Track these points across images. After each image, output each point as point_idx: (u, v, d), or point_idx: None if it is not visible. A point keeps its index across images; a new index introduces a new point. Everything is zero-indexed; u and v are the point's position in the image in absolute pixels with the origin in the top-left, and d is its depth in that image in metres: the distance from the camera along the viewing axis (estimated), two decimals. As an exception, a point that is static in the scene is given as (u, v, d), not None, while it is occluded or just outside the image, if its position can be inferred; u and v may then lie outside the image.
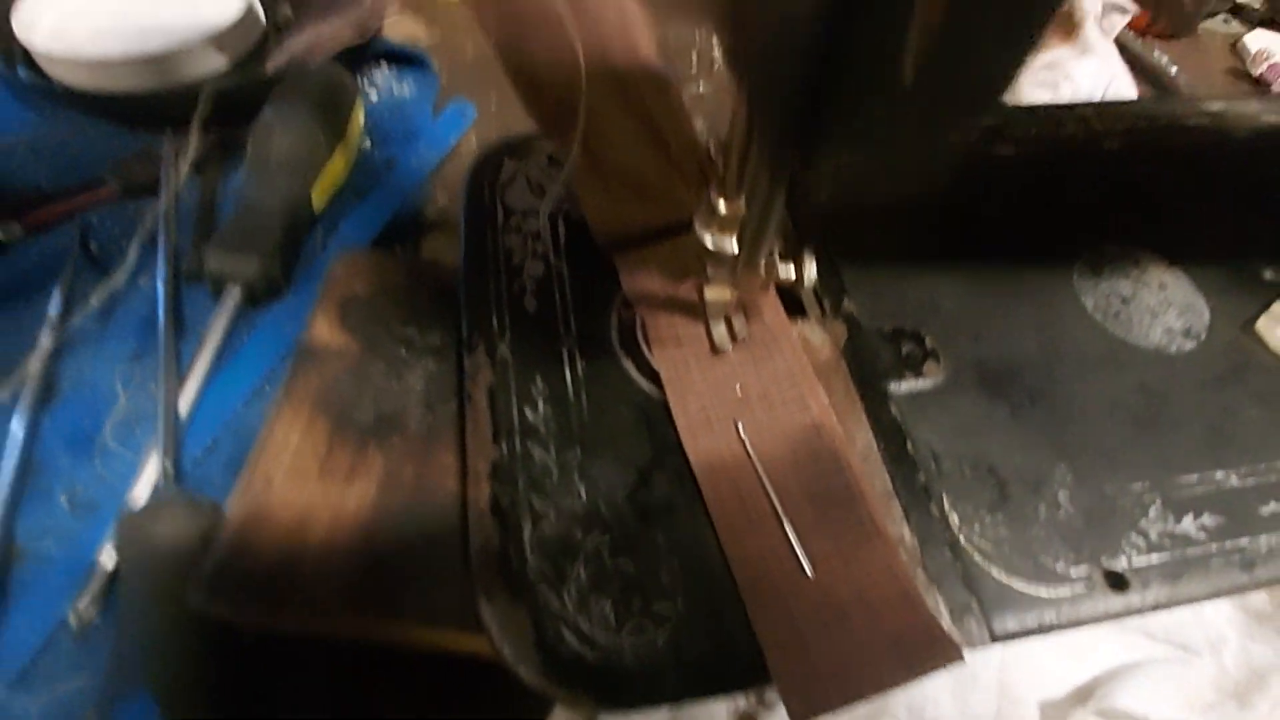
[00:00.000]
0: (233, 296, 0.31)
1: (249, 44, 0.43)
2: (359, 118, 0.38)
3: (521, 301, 0.26)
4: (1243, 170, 0.35)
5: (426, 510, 0.22)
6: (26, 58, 0.40)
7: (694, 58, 0.50)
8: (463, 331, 0.25)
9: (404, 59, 0.44)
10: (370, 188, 0.38)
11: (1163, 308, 0.28)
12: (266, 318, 0.32)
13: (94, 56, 0.38)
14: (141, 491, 0.26)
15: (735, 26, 0.16)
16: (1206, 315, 0.28)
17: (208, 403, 0.29)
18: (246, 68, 0.41)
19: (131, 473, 0.27)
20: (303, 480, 0.22)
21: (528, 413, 0.23)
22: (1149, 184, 0.33)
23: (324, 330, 0.26)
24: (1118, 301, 0.28)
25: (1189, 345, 0.28)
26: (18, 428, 0.27)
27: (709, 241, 0.23)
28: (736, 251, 0.23)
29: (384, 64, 0.44)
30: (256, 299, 0.32)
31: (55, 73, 0.39)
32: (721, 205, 0.23)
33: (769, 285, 0.24)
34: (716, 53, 0.50)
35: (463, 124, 0.41)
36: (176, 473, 0.27)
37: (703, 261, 0.25)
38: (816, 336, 0.26)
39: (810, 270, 0.23)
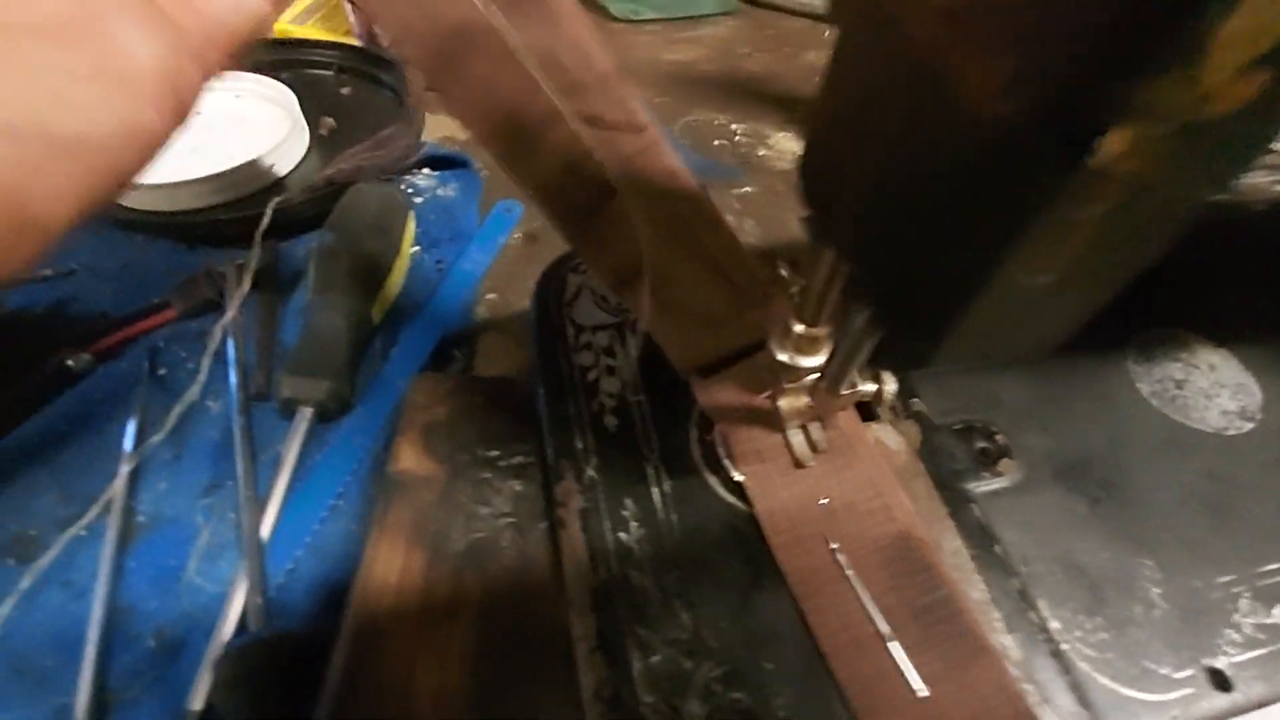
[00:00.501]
0: (305, 418, 0.31)
1: (298, 157, 0.44)
2: (411, 230, 0.39)
3: (602, 420, 0.26)
4: (1266, 244, 0.36)
5: (528, 643, 0.22)
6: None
7: (726, 146, 0.52)
8: (547, 455, 0.26)
9: (446, 162, 0.46)
10: (423, 293, 0.39)
11: (1215, 390, 0.29)
12: (336, 434, 0.32)
13: (152, 180, 0.39)
14: (229, 627, 0.26)
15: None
16: (1259, 395, 0.29)
17: (286, 525, 0.29)
18: (301, 182, 0.43)
19: (218, 606, 0.27)
20: (405, 621, 0.22)
21: (622, 536, 0.24)
22: (1184, 263, 0.34)
23: (410, 459, 0.26)
24: (1172, 386, 0.29)
25: (1247, 426, 0.28)
26: (104, 571, 0.27)
27: (786, 358, 0.24)
28: (813, 365, 0.24)
29: (426, 169, 0.46)
30: (328, 417, 0.32)
31: (114, 197, 0.41)
32: (799, 328, 0.24)
33: (849, 404, 0.25)
34: (741, 138, 0.52)
35: (509, 222, 0.42)
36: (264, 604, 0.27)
37: (776, 374, 0.26)
38: (891, 439, 0.27)
39: (890, 387, 0.23)
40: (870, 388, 0.24)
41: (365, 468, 0.31)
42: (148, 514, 0.29)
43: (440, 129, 0.50)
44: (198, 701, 0.24)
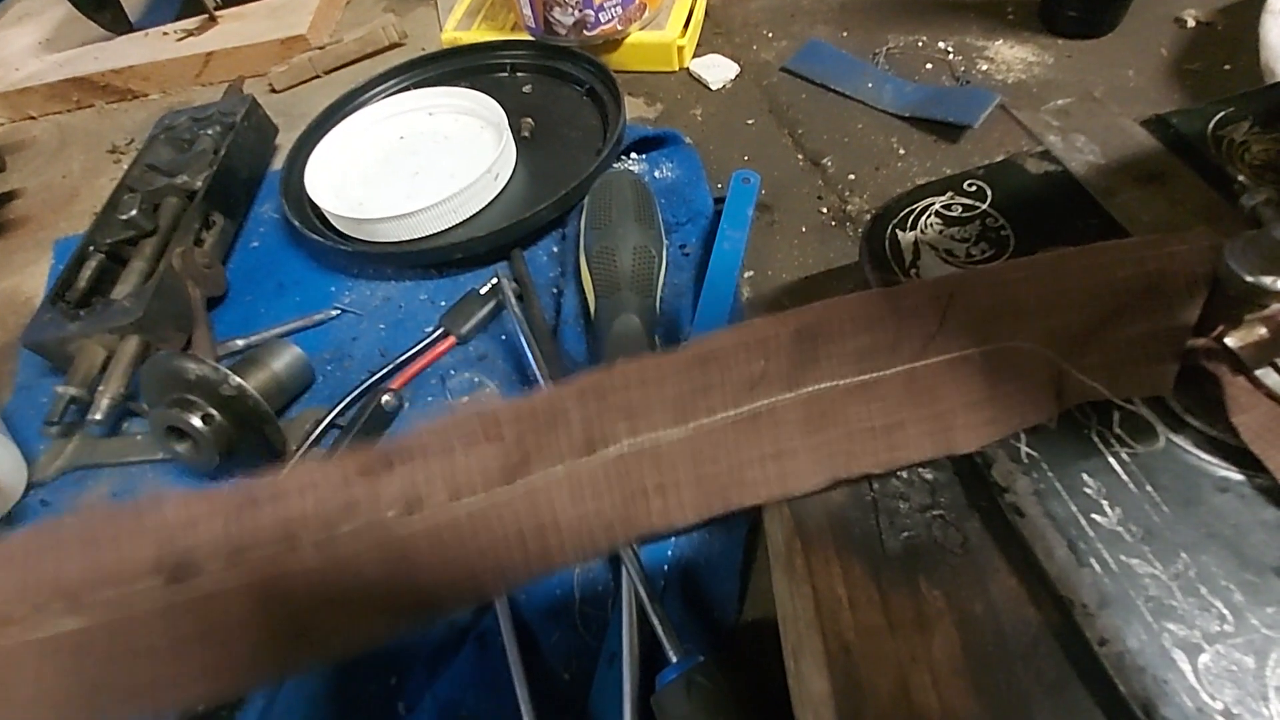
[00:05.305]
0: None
1: (513, 163, 0.43)
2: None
3: (1013, 389, 0.23)
4: None
5: (1027, 652, 0.20)
6: (319, 227, 0.42)
7: (940, 69, 0.46)
8: (960, 435, 0.23)
9: (653, 143, 0.43)
10: (684, 281, 0.37)
11: None
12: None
13: (392, 212, 0.39)
14: (634, 655, 0.25)
15: None
16: None
17: (648, 544, 0.28)
18: (521, 187, 0.42)
19: (613, 633, 0.26)
20: (878, 638, 0.20)
21: (1097, 519, 0.21)
22: None
23: (798, 458, 0.24)
24: None
25: None
26: (504, 615, 0.26)
27: (1262, 280, 0.20)
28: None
29: (632, 154, 0.44)
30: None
31: (357, 234, 0.41)
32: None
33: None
34: (955, 56, 0.46)
35: (751, 193, 0.39)
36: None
37: (1232, 304, 0.22)
38: (1380, 364, 0.22)
39: None
40: None
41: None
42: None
43: (629, 111, 0.48)
44: (633, 725, 0.24)
